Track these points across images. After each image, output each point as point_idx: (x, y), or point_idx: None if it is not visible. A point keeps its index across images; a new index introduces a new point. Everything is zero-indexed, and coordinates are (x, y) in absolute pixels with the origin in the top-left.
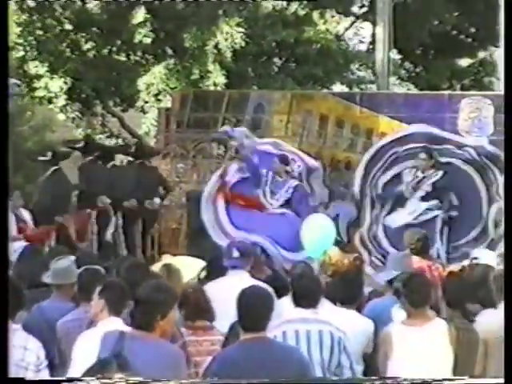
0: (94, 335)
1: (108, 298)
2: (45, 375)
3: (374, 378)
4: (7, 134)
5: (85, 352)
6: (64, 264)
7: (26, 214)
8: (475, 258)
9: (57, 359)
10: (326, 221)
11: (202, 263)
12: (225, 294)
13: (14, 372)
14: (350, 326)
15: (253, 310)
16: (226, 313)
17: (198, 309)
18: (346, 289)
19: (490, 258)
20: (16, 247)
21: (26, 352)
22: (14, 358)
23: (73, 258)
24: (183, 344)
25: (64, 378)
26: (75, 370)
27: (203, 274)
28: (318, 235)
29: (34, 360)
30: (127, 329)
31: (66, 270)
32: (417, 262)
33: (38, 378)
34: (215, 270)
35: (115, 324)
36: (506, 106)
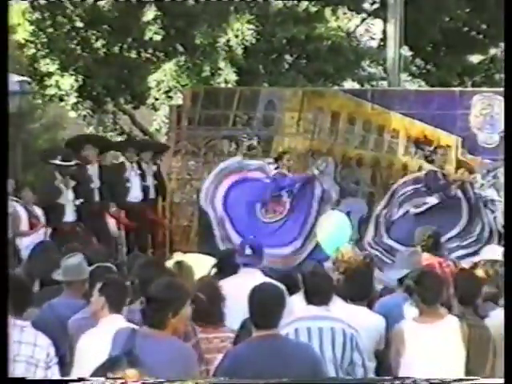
0: (96, 334)
1: (108, 295)
2: (55, 372)
3: (387, 378)
4: (7, 133)
5: (88, 351)
6: (75, 261)
7: (38, 210)
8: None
9: (68, 356)
10: (342, 218)
11: (212, 260)
12: (238, 292)
13: (24, 369)
14: (361, 322)
15: (265, 307)
16: (238, 310)
17: (209, 306)
18: (357, 286)
19: (498, 254)
20: (27, 243)
21: (36, 349)
22: (23, 355)
23: (81, 255)
24: (197, 342)
25: (65, 378)
26: (79, 368)
27: (214, 271)
28: (333, 232)
29: (44, 357)
30: (129, 326)
31: (76, 267)
32: (428, 258)
33: (39, 377)
34: (226, 267)
35: (117, 322)
36: (506, 106)
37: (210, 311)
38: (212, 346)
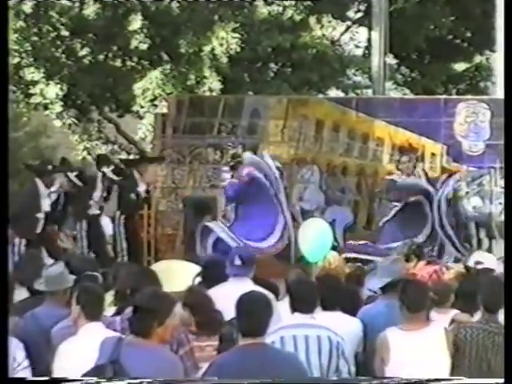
0: (74, 342)
1: (83, 303)
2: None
3: (371, 377)
4: (7, 135)
5: (67, 359)
6: (56, 270)
7: None
8: (477, 262)
9: (51, 366)
10: (322, 225)
11: (197, 268)
12: (230, 300)
13: None
14: (339, 327)
15: (253, 316)
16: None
17: (202, 314)
18: (339, 294)
19: (491, 261)
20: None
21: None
22: None
23: (63, 263)
24: (190, 350)
25: (64, 378)
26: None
27: (198, 279)
28: (315, 240)
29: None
30: (109, 333)
31: (58, 277)
32: (423, 267)
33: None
34: (211, 275)
35: (95, 329)
36: (505, 108)
37: (202, 319)
38: (205, 354)
